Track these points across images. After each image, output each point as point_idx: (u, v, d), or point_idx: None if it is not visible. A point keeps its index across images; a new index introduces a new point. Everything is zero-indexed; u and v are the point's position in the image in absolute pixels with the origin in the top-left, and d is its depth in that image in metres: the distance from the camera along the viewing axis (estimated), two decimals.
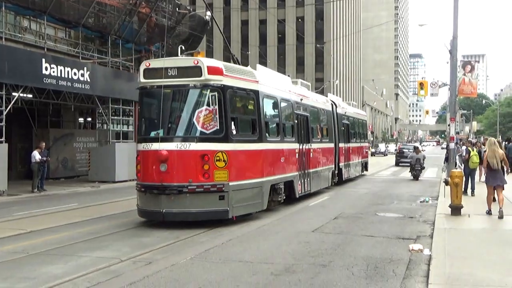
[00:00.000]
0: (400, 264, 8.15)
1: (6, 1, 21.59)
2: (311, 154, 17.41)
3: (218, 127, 11.73)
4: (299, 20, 77.01)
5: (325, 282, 7.11)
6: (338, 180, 22.27)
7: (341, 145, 22.74)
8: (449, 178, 13.07)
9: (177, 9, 32.01)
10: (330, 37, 76.07)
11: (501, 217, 11.98)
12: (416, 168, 26.19)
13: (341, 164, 22.67)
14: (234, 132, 12.13)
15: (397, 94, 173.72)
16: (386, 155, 66.62)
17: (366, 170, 30.29)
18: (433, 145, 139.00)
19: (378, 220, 12.90)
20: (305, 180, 16.67)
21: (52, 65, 21.35)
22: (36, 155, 20.55)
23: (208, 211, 11.62)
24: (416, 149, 28.18)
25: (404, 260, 8.43)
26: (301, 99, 17.06)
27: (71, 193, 21.17)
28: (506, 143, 27.57)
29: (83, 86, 23.20)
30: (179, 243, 10.09)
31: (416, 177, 26.16)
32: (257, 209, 13.02)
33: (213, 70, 11.80)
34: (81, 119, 32.41)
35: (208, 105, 11.76)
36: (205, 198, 11.53)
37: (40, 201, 17.81)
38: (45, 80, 21.10)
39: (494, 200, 13.04)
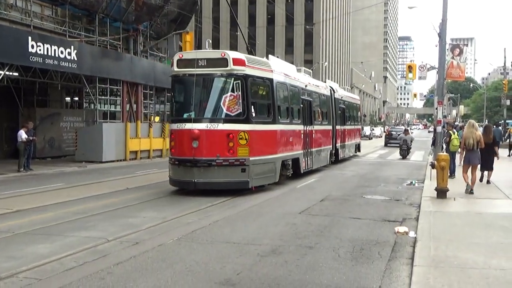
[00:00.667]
0: (386, 246, 8.22)
1: None
2: (313, 135, 19.42)
3: (241, 110, 13.67)
4: (289, 1, 76.57)
5: (311, 264, 7.16)
6: (335, 159, 23.97)
7: (338, 127, 24.50)
8: (435, 162, 13.20)
9: None
10: (319, 19, 75.81)
11: (470, 193, 13.03)
12: (403, 148, 29.42)
13: (338, 145, 24.52)
14: (254, 114, 14.06)
15: (385, 77, 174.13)
16: (371, 138, 64.37)
17: (359, 151, 32.02)
18: (419, 129, 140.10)
19: (365, 202, 13.00)
20: (308, 158, 18.73)
21: (38, 43, 21.00)
22: (23, 134, 20.33)
23: (232, 181, 13.61)
24: (405, 131, 32.14)
25: (390, 242, 8.51)
26: (306, 86, 19.05)
27: (57, 172, 21.04)
28: (494, 127, 27.72)
29: (70, 65, 22.88)
30: (166, 223, 10.10)
31: (403, 156, 29.13)
32: (271, 181, 14.95)
33: (237, 61, 13.69)
34: (68, 99, 32.06)
35: (232, 91, 13.69)
36: (230, 170, 13.55)
37: (26, 181, 17.71)
38: (31, 58, 20.76)
39: (481, 180, 14.21)
